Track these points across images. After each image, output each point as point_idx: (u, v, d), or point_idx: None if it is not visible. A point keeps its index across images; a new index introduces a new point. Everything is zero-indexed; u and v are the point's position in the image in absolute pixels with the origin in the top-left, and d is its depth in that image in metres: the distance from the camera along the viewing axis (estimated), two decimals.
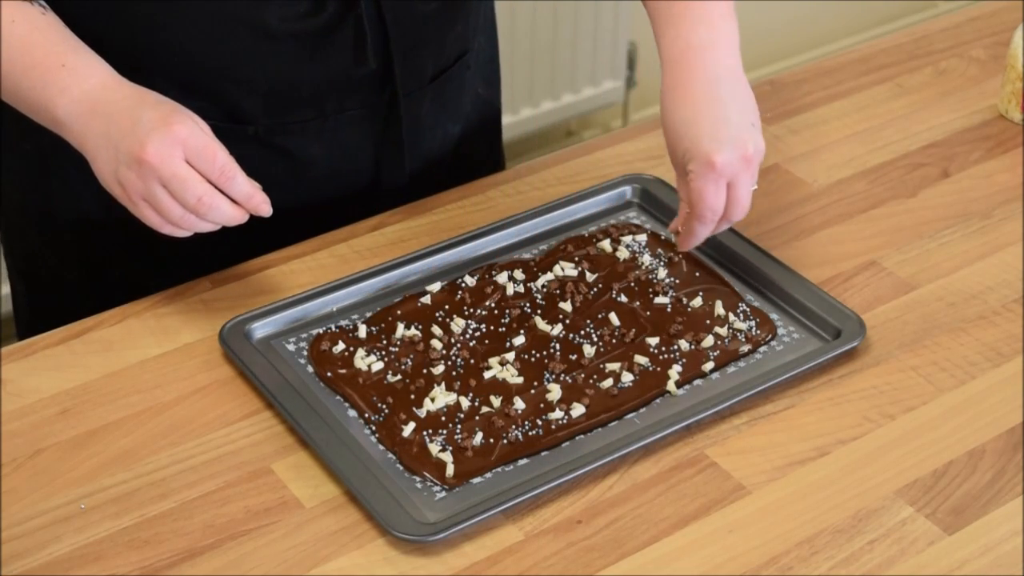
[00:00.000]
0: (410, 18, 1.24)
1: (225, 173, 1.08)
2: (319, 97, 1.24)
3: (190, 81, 1.19)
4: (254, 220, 1.11)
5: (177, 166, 1.06)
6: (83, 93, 1.09)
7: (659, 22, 1.17)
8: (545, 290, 1.19)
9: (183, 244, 1.17)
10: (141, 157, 1.05)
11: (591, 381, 1.10)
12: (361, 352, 1.13)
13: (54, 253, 1.32)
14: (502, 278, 1.20)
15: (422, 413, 1.08)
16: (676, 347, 1.14)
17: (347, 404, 1.09)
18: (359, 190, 1.31)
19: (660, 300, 1.18)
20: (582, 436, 1.07)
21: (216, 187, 1.08)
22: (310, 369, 1.13)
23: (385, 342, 1.14)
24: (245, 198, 1.09)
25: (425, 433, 1.06)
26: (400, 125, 1.28)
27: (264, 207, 1.10)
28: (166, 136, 1.06)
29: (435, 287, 1.20)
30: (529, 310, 1.17)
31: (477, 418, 1.07)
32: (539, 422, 1.07)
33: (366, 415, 1.08)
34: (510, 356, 1.13)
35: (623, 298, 1.19)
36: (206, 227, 1.10)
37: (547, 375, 1.11)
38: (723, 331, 1.15)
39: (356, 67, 1.22)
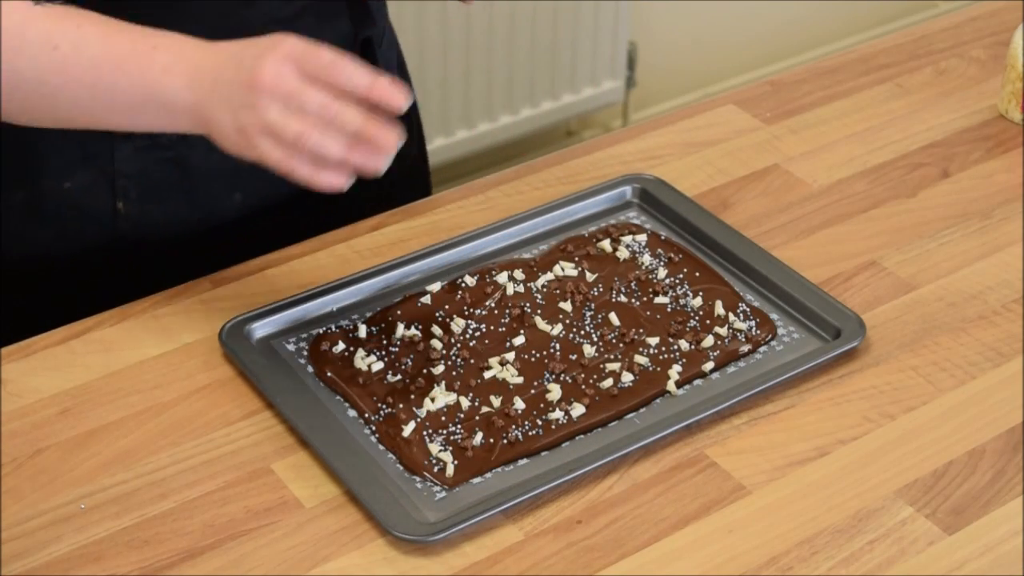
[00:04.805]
0: None
1: (336, 66, 1.01)
2: None
3: None
4: (146, 250, 1.09)
5: (292, 81, 1.00)
6: (187, 64, 1.03)
7: None
8: (545, 290, 1.19)
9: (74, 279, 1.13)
10: (256, 83, 1.00)
11: (591, 381, 1.10)
12: (361, 352, 1.13)
13: None
14: (502, 278, 1.20)
15: (422, 413, 1.08)
16: (676, 347, 1.14)
17: (347, 404, 1.09)
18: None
19: (660, 300, 1.18)
20: (582, 436, 1.07)
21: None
22: (310, 369, 1.12)
23: (385, 342, 1.14)
24: (368, 88, 1.01)
25: (425, 433, 1.06)
26: None
27: (397, 96, 1.01)
28: (274, 55, 1.00)
29: (435, 287, 1.20)
30: (529, 310, 1.17)
31: (477, 418, 1.07)
32: (539, 422, 1.07)
33: (366, 415, 1.08)
34: (510, 356, 1.12)
35: (623, 298, 1.19)
36: (329, 145, 1.01)
37: (547, 375, 1.11)
38: (723, 331, 1.15)
39: None
